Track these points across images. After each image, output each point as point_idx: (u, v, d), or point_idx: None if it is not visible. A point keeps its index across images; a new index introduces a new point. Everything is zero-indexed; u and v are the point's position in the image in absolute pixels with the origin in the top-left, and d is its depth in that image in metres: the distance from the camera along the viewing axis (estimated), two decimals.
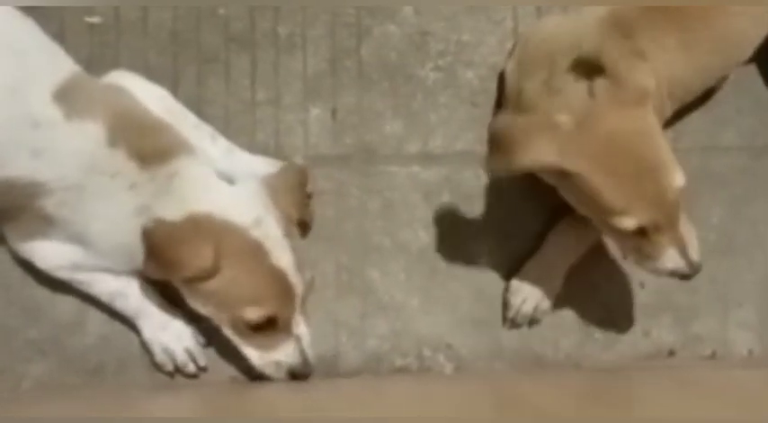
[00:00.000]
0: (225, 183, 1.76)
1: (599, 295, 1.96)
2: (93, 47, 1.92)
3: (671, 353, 1.96)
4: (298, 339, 1.75)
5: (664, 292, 1.96)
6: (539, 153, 1.59)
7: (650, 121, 1.64)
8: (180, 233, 1.64)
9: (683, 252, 1.68)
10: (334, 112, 1.96)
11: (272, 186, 1.75)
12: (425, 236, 1.95)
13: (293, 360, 1.76)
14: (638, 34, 1.70)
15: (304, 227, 1.87)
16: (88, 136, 1.67)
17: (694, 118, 1.98)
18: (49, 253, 1.78)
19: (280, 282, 1.69)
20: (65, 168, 1.67)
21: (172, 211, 1.66)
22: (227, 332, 1.76)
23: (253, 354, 1.76)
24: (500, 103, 1.96)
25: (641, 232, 1.65)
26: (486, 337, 1.93)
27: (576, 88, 1.66)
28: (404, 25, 1.99)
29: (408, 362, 1.93)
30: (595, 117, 1.61)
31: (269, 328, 1.71)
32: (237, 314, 1.69)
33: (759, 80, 2.03)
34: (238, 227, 1.67)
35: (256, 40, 1.96)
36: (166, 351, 1.84)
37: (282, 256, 1.69)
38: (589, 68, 1.65)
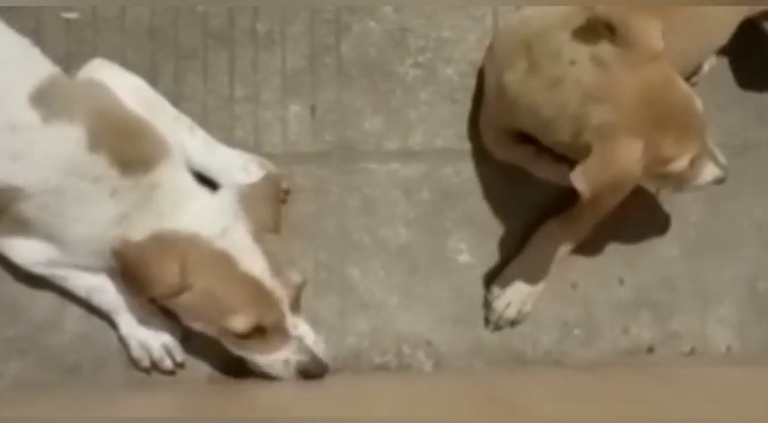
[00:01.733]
0: (201, 190, 1.78)
1: (578, 292, 1.96)
2: (71, 43, 1.90)
3: (650, 349, 1.97)
4: (300, 339, 1.74)
5: (643, 288, 1.97)
6: (635, 161, 1.60)
7: (668, 68, 1.64)
8: (145, 252, 1.65)
9: (716, 161, 1.75)
10: (313, 109, 1.96)
11: (247, 194, 1.75)
12: (405, 233, 1.94)
13: (300, 357, 1.74)
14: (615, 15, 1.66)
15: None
16: (67, 139, 1.64)
17: None
18: (27, 250, 1.77)
19: (255, 289, 1.68)
20: (44, 172, 1.65)
21: (148, 224, 1.68)
22: (228, 344, 1.76)
23: (257, 358, 1.75)
24: (478, 100, 1.96)
25: (690, 164, 1.67)
26: (466, 335, 1.93)
27: (577, 70, 1.63)
28: (383, 22, 1.99)
29: (388, 359, 1.92)
30: (618, 86, 1.60)
31: (260, 334, 1.71)
32: (222, 325, 1.69)
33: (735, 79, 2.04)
34: (204, 239, 1.68)
35: (235, 36, 1.95)
36: (143, 346, 1.84)
37: (254, 263, 1.69)
38: (589, 35, 1.63)
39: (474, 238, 1.95)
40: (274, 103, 1.95)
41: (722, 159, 1.76)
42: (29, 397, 1.79)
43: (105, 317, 1.85)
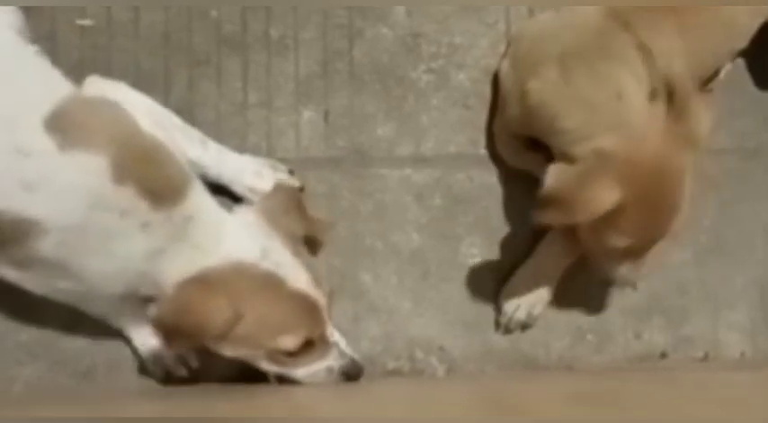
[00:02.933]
0: (224, 211, 1.71)
1: (591, 297, 1.96)
2: (85, 50, 1.91)
3: (663, 355, 1.97)
4: (337, 344, 1.73)
5: (655, 294, 1.97)
6: (603, 202, 1.61)
7: (689, 166, 1.65)
8: (187, 302, 1.58)
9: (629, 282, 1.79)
10: (326, 115, 1.96)
11: (268, 210, 1.71)
12: (418, 238, 1.95)
13: (343, 362, 1.73)
14: (636, 23, 1.69)
15: (315, 244, 1.84)
16: (89, 170, 1.52)
17: None
18: (38, 283, 1.67)
19: (304, 303, 1.65)
20: (64, 205, 1.53)
21: (185, 257, 1.60)
22: (265, 366, 1.71)
23: (298, 372, 1.72)
24: (495, 105, 1.96)
25: (628, 253, 1.70)
26: (479, 340, 1.94)
27: (621, 105, 1.65)
28: (396, 27, 1.99)
29: (400, 364, 1.93)
30: (646, 144, 1.61)
31: (307, 348, 1.68)
32: (273, 347, 1.65)
33: (750, 82, 2.03)
34: (248, 265, 1.62)
35: (248, 42, 1.95)
36: (157, 359, 1.83)
37: (299, 277, 1.65)
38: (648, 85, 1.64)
39: (486, 243, 1.95)
40: (287, 108, 1.95)
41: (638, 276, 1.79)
42: (42, 401, 1.80)
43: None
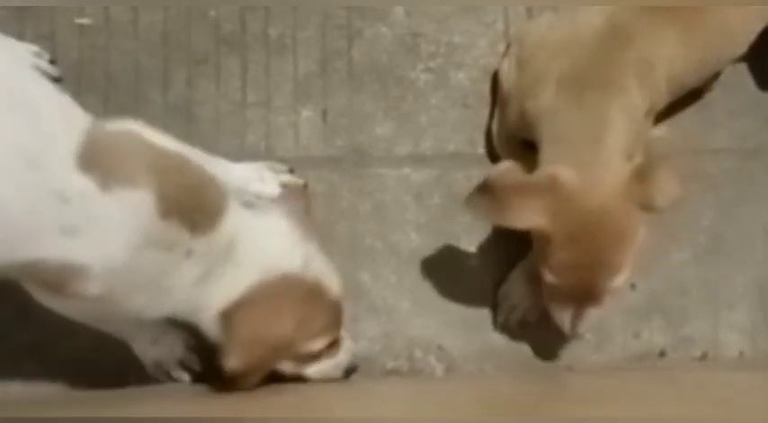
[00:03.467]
0: (255, 221, 1.63)
1: None
2: (84, 49, 1.91)
3: (662, 354, 1.96)
4: (345, 341, 1.74)
5: (655, 293, 1.97)
6: (529, 219, 1.62)
7: (639, 229, 1.64)
8: (253, 328, 1.56)
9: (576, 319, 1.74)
10: (324, 114, 1.96)
11: (293, 214, 1.68)
12: (416, 238, 1.94)
13: (347, 357, 1.74)
14: (637, 34, 1.69)
15: None
16: (136, 208, 1.42)
17: (685, 119, 1.97)
18: (76, 310, 1.59)
19: (337, 307, 1.66)
20: (111, 247, 1.42)
21: (230, 277, 1.55)
22: (284, 366, 1.69)
23: (311, 370, 1.71)
24: (494, 103, 1.96)
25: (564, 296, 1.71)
26: (478, 339, 1.93)
27: (593, 150, 1.65)
28: (395, 27, 1.99)
29: (399, 364, 1.92)
30: (598, 194, 1.61)
31: (329, 347, 1.69)
32: (305, 351, 1.65)
33: (750, 82, 2.03)
34: (293, 276, 1.59)
35: (247, 41, 1.96)
36: (159, 366, 1.82)
37: (333, 281, 1.65)
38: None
39: (485, 242, 1.95)
40: (286, 107, 1.95)
41: (580, 328, 1.76)
42: (43, 401, 1.80)
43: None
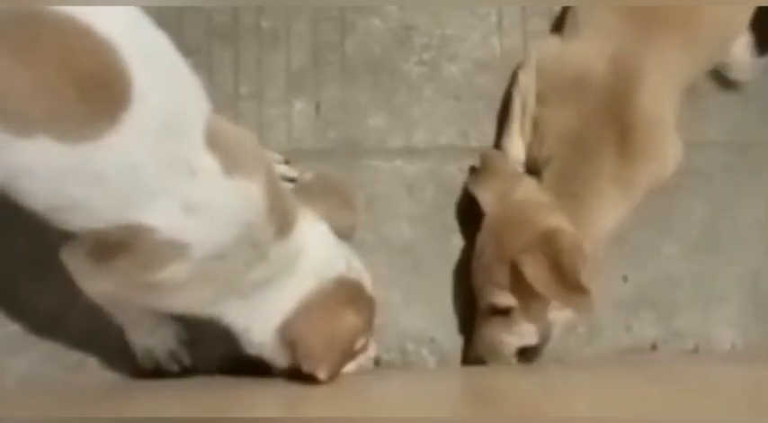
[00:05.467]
0: (312, 231, 1.61)
1: None
2: None
3: (653, 347, 1.97)
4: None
5: (646, 286, 1.97)
6: (484, 198, 1.82)
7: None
8: (326, 331, 1.56)
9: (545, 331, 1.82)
10: (317, 107, 1.96)
11: (323, 213, 1.66)
12: (408, 230, 1.95)
13: (375, 349, 1.75)
14: (645, 59, 1.73)
15: None
16: (250, 200, 1.43)
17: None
18: (106, 293, 1.56)
19: (374, 304, 1.67)
20: (219, 234, 1.42)
21: (292, 285, 1.55)
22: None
23: (352, 366, 1.70)
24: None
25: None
26: (469, 332, 1.93)
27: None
28: (388, 19, 1.99)
29: (392, 356, 1.92)
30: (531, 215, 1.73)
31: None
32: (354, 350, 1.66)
33: None
34: (342, 278, 1.60)
35: (239, 34, 1.95)
36: (151, 356, 1.81)
37: (368, 279, 1.67)
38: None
39: (476, 235, 1.95)
40: (279, 100, 1.95)
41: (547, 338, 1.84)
42: (33, 395, 1.79)
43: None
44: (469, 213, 1.94)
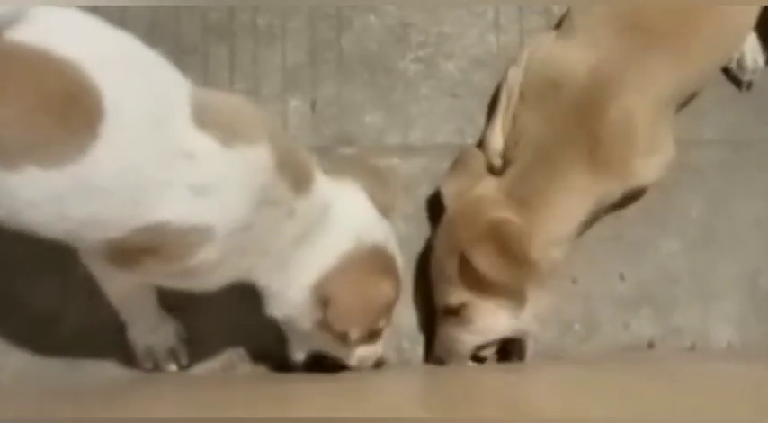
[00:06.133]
0: (348, 194, 1.63)
1: (579, 287, 1.96)
2: None
3: (650, 345, 1.97)
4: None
5: (643, 284, 1.97)
6: (447, 194, 1.82)
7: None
8: (360, 293, 1.56)
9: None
10: (313, 104, 1.96)
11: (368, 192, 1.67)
12: (404, 227, 1.94)
13: (382, 349, 1.74)
14: (626, 74, 1.70)
15: None
16: (257, 164, 1.44)
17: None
18: (127, 289, 1.62)
19: (400, 289, 1.66)
20: (235, 206, 1.43)
21: (324, 244, 1.55)
22: (334, 348, 1.69)
23: (358, 353, 1.71)
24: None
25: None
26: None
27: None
28: (385, 17, 1.99)
29: (387, 354, 1.92)
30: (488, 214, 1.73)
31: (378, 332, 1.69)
32: (375, 328, 1.65)
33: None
34: (380, 248, 1.61)
35: (235, 31, 1.95)
36: (150, 353, 1.81)
37: (401, 263, 1.67)
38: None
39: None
40: (274, 97, 1.95)
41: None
42: (29, 393, 1.79)
43: (107, 311, 1.83)
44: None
